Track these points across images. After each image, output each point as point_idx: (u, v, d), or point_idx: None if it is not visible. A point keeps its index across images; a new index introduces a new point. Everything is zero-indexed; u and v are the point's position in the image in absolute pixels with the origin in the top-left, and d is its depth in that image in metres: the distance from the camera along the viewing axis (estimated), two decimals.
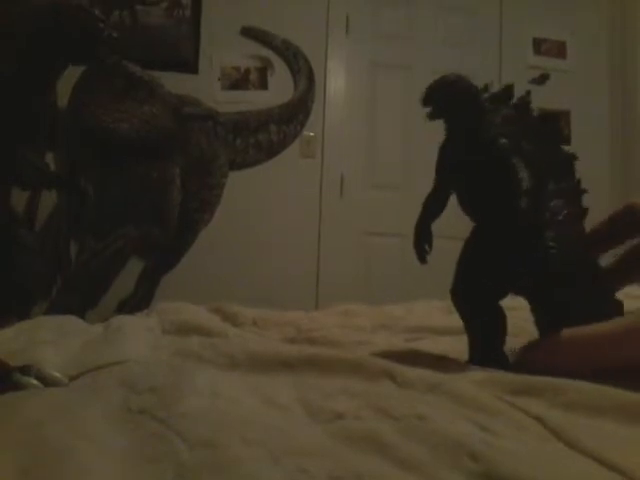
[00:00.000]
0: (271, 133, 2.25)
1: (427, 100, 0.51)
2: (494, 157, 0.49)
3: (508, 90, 0.52)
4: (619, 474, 0.26)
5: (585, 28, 3.31)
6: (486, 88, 0.52)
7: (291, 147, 2.40)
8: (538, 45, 3.30)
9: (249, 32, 3.00)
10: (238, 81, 3.04)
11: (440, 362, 0.47)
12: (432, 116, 0.52)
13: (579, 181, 0.51)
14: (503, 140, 0.49)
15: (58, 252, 1.75)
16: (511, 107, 0.52)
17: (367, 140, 3.17)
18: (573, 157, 0.51)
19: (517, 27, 3.28)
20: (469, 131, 0.51)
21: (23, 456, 0.27)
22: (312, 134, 3.00)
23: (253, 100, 2.80)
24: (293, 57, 2.76)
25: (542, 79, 3.22)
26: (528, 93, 0.52)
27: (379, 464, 0.27)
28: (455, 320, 0.51)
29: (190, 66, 2.97)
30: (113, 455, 0.28)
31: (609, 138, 3.24)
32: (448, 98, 0.51)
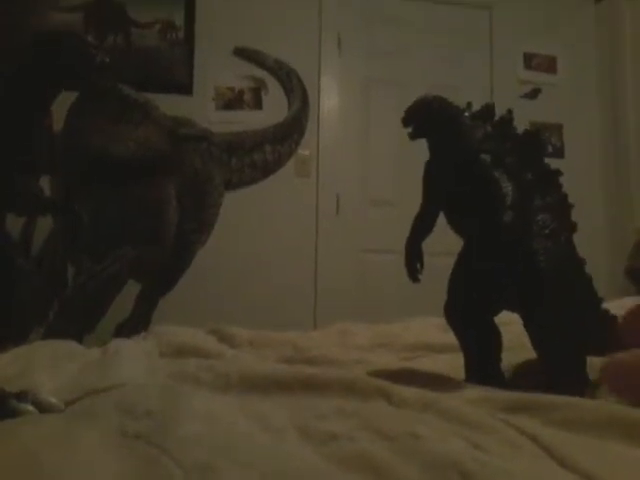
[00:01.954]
0: (266, 153, 2.25)
1: (407, 121, 0.53)
2: (477, 173, 0.50)
3: (489, 109, 0.53)
4: None
5: (575, 43, 3.35)
6: (469, 106, 0.53)
7: (286, 166, 2.40)
8: (529, 60, 3.33)
9: (242, 52, 3.01)
10: (232, 101, 3.06)
11: (436, 380, 0.47)
12: (413, 136, 0.53)
13: (566, 196, 0.52)
14: (484, 156, 0.50)
15: (55, 275, 1.74)
16: (492, 125, 0.53)
17: (362, 157, 3.18)
18: (558, 172, 0.52)
19: (508, 42, 3.30)
20: (451, 148, 0.52)
21: None
22: (307, 153, 3.00)
23: (247, 120, 2.81)
24: (286, 76, 2.77)
25: (534, 93, 3.25)
26: (510, 112, 0.53)
27: None
28: (451, 337, 0.51)
29: (184, 87, 2.98)
30: None
31: (601, 150, 3.25)
32: (426, 118, 0.52)
